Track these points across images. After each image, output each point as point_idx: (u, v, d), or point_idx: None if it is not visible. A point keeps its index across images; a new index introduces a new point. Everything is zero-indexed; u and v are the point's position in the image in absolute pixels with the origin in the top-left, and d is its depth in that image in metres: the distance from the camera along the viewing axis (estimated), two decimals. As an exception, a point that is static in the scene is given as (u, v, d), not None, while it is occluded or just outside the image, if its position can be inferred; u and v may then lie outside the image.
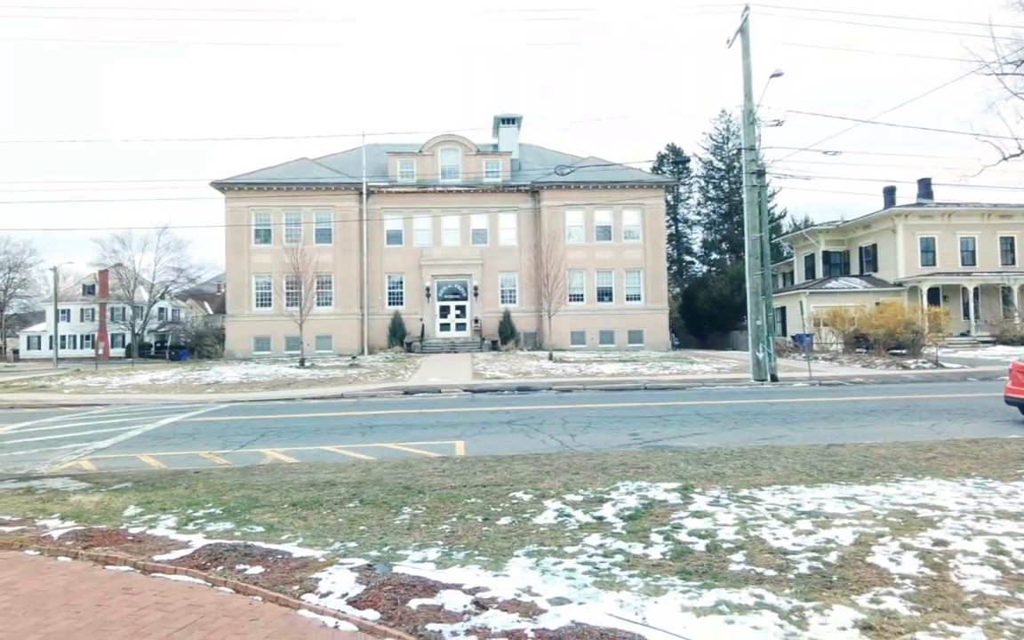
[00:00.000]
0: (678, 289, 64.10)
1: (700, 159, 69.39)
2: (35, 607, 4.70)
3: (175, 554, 5.82)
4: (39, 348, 79.93)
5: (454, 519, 6.72)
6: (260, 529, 6.58)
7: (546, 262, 34.90)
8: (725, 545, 5.70)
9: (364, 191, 41.55)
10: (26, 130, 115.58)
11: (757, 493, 7.43)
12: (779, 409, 16.08)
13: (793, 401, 17.86)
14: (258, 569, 5.35)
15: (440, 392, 22.82)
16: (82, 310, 79.80)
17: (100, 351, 74.79)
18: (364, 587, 4.86)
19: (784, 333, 41.42)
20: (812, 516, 6.48)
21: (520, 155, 46.78)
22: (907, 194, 45.17)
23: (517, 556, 5.54)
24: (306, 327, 34.18)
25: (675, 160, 68.63)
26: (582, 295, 42.69)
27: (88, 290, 79.32)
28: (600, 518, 6.61)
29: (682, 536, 5.97)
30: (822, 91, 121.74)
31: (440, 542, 6.00)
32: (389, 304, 42.68)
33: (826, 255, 47.53)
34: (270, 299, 41.02)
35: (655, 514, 6.68)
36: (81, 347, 77.94)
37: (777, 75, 23.08)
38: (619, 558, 5.46)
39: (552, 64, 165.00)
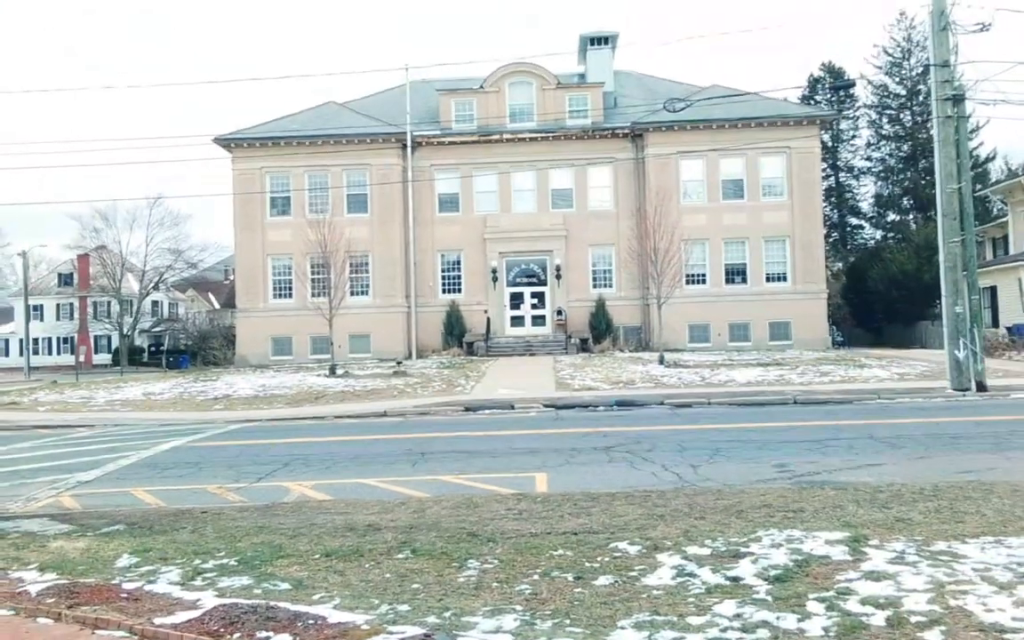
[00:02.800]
0: (840, 265, 62.39)
1: (871, 82, 67.17)
2: (13, 679, 5.04)
3: (181, 616, 6.12)
4: (6, 355, 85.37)
5: (536, 576, 6.77)
6: (286, 586, 6.82)
7: (653, 232, 34.57)
8: (914, 619, 5.53)
9: (409, 143, 42.26)
10: None
11: (959, 547, 7.17)
12: (989, 430, 15.45)
13: (1010, 419, 17.14)
14: (285, 637, 5.56)
15: (513, 408, 23.06)
16: (58, 306, 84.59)
17: (82, 358, 79.20)
18: (420, 664, 4.97)
19: (996, 323, 39.61)
20: (1041, 580, 6.20)
21: (616, 87, 46.58)
22: None
23: (622, 628, 5.54)
24: (337, 324, 35.15)
25: (834, 85, 66.54)
26: (704, 275, 42.19)
27: (65, 280, 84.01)
28: (736, 579, 6.53)
29: (852, 605, 5.83)
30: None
31: (519, 607, 6.06)
32: (444, 292, 43.42)
33: (1057, 212, 45.09)
34: (291, 288, 42.37)
35: (813, 574, 6.54)
36: (58, 353, 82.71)
37: (982, -42, 22.06)
38: (763, 634, 5.38)
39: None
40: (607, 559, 7.22)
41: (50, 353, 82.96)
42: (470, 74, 46.53)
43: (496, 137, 43.07)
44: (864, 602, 5.89)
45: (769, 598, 6.07)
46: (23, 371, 59.74)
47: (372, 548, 7.89)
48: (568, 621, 5.74)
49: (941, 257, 23.38)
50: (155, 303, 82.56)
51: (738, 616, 5.72)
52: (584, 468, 12.97)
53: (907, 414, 18.68)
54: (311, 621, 5.88)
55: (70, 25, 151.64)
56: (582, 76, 47.62)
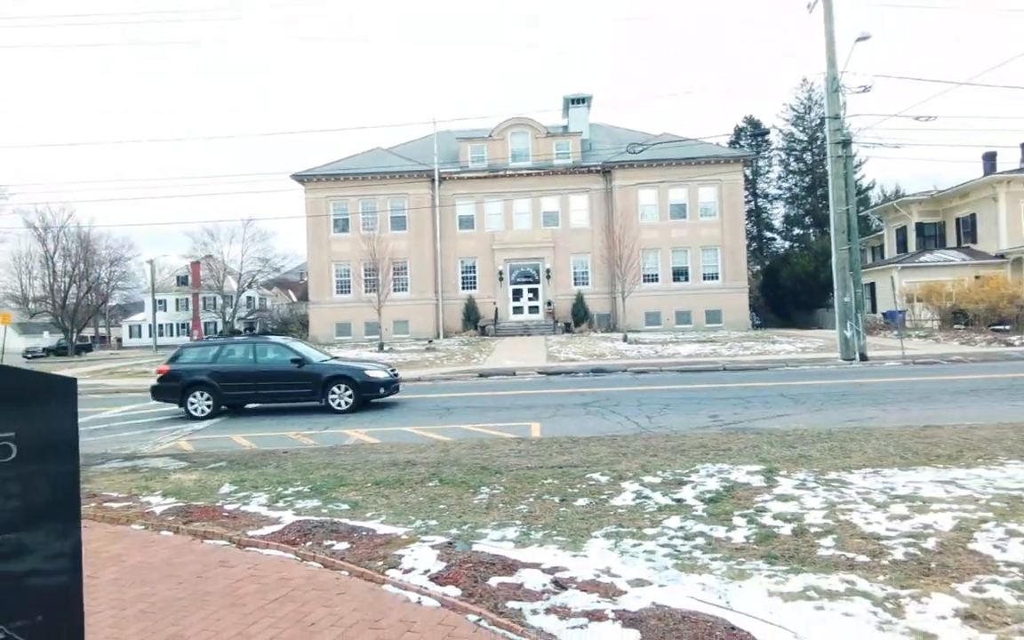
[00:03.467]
0: (759, 267, 62.00)
1: (780, 131, 66.65)
2: (141, 578, 5.03)
3: (267, 529, 6.11)
4: (140, 336, 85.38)
5: (531, 499, 6.76)
6: (345, 507, 6.81)
7: (619, 243, 34.43)
8: (813, 529, 5.50)
9: (436, 178, 42.11)
10: (118, 128, 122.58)
11: (847, 476, 7.13)
12: (869, 389, 15.35)
13: (884, 381, 17.02)
14: (344, 545, 5.55)
15: (515, 375, 22.95)
16: (177, 300, 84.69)
17: (195, 338, 79.25)
18: (445, 564, 4.96)
19: (874, 310, 39.43)
20: (907, 500, 6.16)
21: (591, 135, 46.23)
22: (1009, 160, 42.03)
23: (595, 537, 5.53)
24: (384, 312, 35.06)
25: (754, 133, 66.13)
26: (657, 275, 41.98)
27: (182, 281, 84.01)
28: (680, 500, 6.51)
29: (766, 520, 5.80)
30: (913, 53, 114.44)
31: (518, 522, 6.05)
32: (463, 288, 43.22)
33: (919, 227, 44.79)
34: (349, 286, 42.28)
35: (737, 497, 6.51)
36: (177, 334, 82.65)
37: (864, 38, 21.86)
38: (700, 541, 5.36)
39: (622, 40, 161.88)
40: (584, 486, 7.20)
41: (172, 335, 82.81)
42: (481, 125, 46.32)
43: (501, 173, 42.83)
44: (776, 517, 5.86)
45: (705, 515, 6.05)
46: (152, 348, 59.76)
47: (410, 478, 7.88)
48: (555, 532, 5.72)
49: (833, 260, 23.25)
50: (249, 298, 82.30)
51: (681, 528, 5.70)
52: (568, 419, 12.93)
53: (808, 378, 18.60)
54: (364, 533, 5.87)
55: (186, 78, 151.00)
56: (565, 127, 47.27)
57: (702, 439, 9.61)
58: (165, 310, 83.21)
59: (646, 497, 6.65)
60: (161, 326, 79.02)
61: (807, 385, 16.70)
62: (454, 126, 46.73)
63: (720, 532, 5.54)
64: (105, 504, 7.28)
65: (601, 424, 11.94)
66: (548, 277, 42.62)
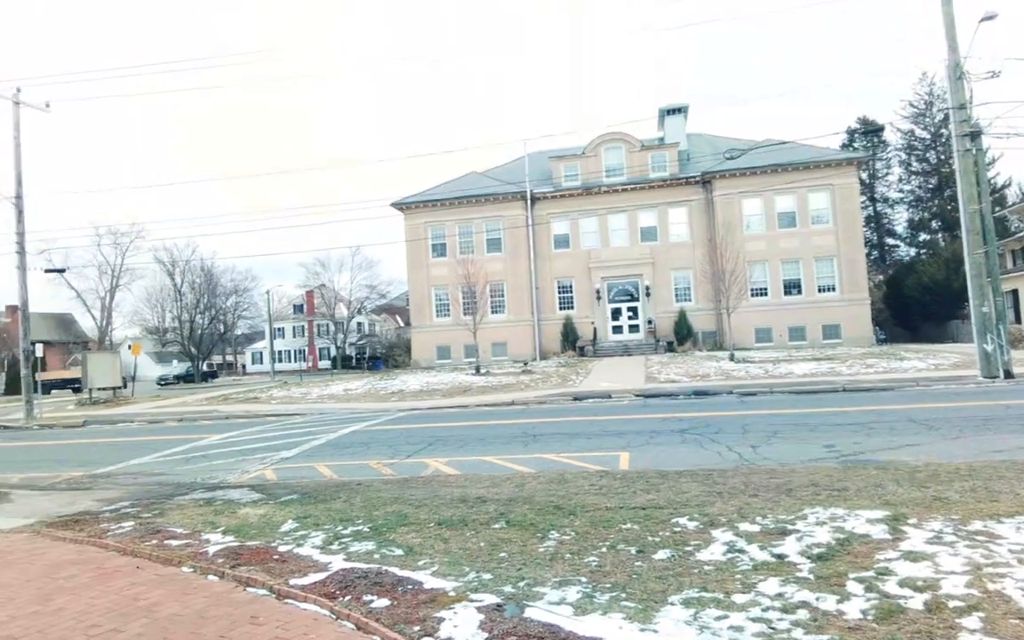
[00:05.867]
0: (881, 277, 57.41)
1: (899, 129, 61.73)
2: (164, 636, 4.62)
3: (311, 578, 5.63)
4: (261, 363, 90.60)
5: (604, 549, 5.90)
6: (399, 552, 6.23)
7: (721, 256, 32.57)
8: (952, 603, 4.34)
9: (528, 198, 41.81)
10: (221, 163, 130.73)
11: (995, 527, 5.79)
12: (1018, 413, 13.25)
13: (1037, 402, 14.71)
14: (384, 602, 4.94)
15: (610, 397, 21.95)
16: (293, 327, 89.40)
17: (309, 364, 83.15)
18: (487, 636, 4.22)
19: (1018, 320, 35.18)
20: (1083, 565, 4.81)
21: (688, 145, 44.54)
22: None
23: (671, 604, 4.61)
24: (481, 335, 34.96)
25: (867, 131, 61.55)
26: (766, 289, 39.54)
27: (297, 309, 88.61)
28: (781, 556, 5.44)
29: (891, 586, 4.67)
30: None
31: (583, 579, 5.22)
32: (560, 309, 42.57)
33: (1071, 225, 39.80)
34: (448, 310, 42.63)
35: (854, 554, 5.37)
36: (294, 360, 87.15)
37: (989, 17, 19.46)
38: (803, 615, 4.33)
39: (720, 46, 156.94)
40: (667, 534, 6.25)
41: (290, 361, 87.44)
42: (570, 142, 45.87)
43: (595, 190, 41.94)
44: (902, 584, 4.70)
45: (811, 577, 4.97)
46: (269, 374, 62.98)
47: (476, 518, 7.21)
48: (624, 595, 4.84)
49: (967, 266, 20.69)
50: (359, 324, 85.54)
51: (780, 595, 4.67)
52: (660, 448, 11.88)
53: (942, 399, 16.42)
54: (410, 586, 5.25)
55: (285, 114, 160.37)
56: (661, 139, 45.77)
57: (813, 475, 8.36)
58: (283, 337, 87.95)
59: (739, 551, 5.63)
60: (279, 353, 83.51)
61: (941, 408, 14.67)
62: (543, 145, 46.51)
63: (829, 603, 4.48)
64: (166, 542, 7.10)
65: (697, 455, 10.83)
66: (647, 294, 41.17)
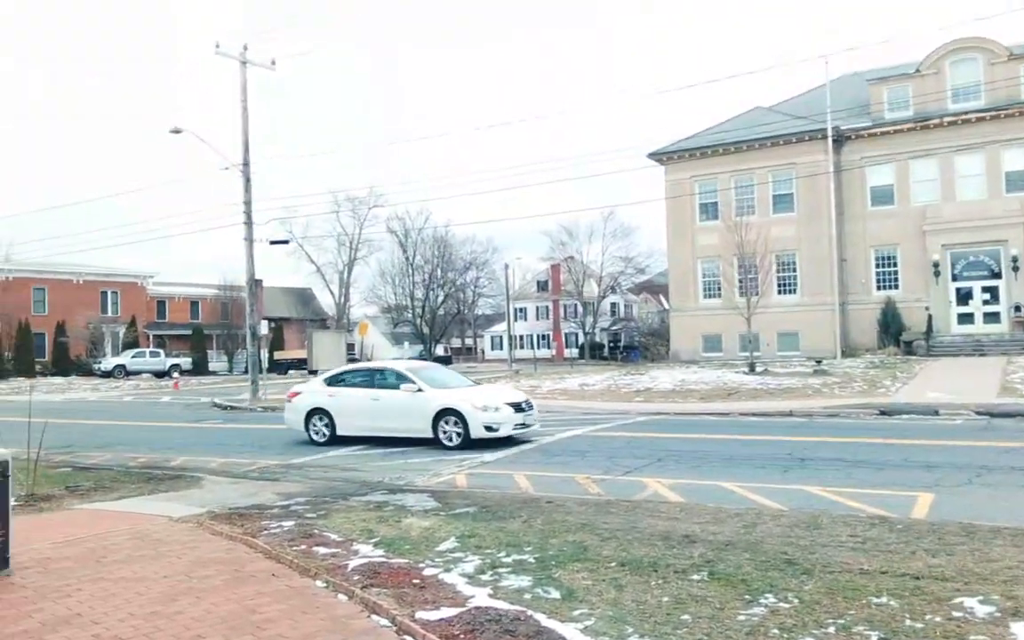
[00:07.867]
0: None
1: None
2: (258, 656, 5.04)
3: (442, 613, 5.75)
4: (500, 348, 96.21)
5: (831, 630, 5.18)
6: (556, 595, 6.11)
7: None
8: None
9: (831, 138, 38.67)
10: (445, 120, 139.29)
11: None
12: None
13: None
14: (508, 658, 4.86)
15: (937, 414, 19.61)
16: (537, 308, 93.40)
17: (554, 352, 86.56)
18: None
19: None
20: None
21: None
22: None
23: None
24: (766, 321, 33.59)
25: None
26: None
27: (541, 286, 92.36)
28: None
29: None
30: None
31: (782, 669, 4.62)
32: (878, 288, 39.32)
33: None
34: (719, 289, 41.34)
35: None
36: (537, 347, 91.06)
37: None
38: None
39: None
40: (938, 619, 5.29)
41: (532, 347, 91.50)
42: (886, 62, 41.21)
43: (936, 121, 37.49)
44: None
45: None
46: (507, 361, 66.81)
47: (672, 563, 6.82)
48: (830, 702, 4.18)
49: None
50: (613, 305, 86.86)
51: None
52: (987, 491, 10.24)
53: None
54: (546, 643, 5.10)
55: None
56: (1042, 42, 39.45)
57: None
58: (525, 319, 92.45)
59: (1048, 661, 4.56)
60: (520, 337, 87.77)
61: None
62: (851, 65, 42.77)
63: None
64: (314, 548, 7.80)
65: (1040, 506, 9.13)
66: (1015, 269, 35.99)
